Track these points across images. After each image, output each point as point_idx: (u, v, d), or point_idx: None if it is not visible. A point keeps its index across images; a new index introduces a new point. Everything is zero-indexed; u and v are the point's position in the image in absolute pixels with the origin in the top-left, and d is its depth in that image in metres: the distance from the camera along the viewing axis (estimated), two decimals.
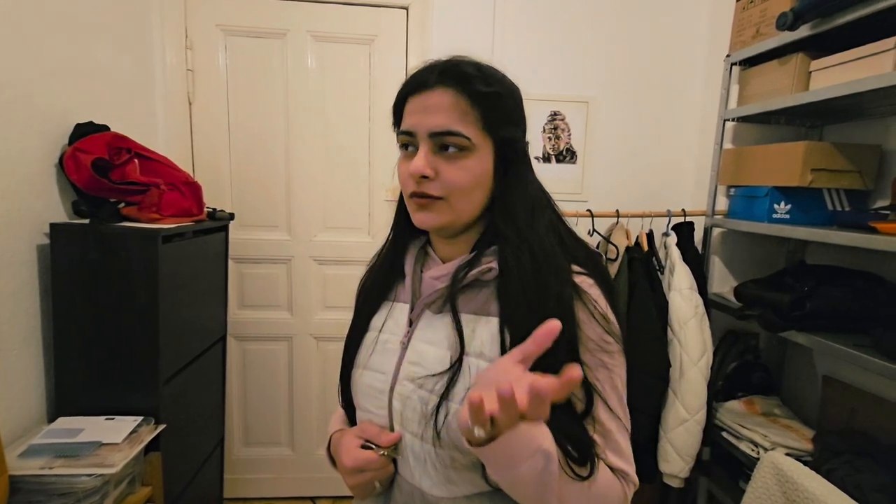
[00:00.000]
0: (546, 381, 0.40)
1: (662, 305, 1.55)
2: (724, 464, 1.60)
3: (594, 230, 1.70)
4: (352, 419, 0.73)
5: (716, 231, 1.77)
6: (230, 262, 1.80)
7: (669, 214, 1.69)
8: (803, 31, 1.29)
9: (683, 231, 1.66)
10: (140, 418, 1.17)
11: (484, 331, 0.59)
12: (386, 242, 0.73)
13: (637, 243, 1.66)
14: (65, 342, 1.19)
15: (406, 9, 1.85)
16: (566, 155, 1.92)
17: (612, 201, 1.80)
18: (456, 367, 0.58)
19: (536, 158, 1.89)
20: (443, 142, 0.59)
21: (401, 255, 0.70)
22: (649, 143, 1.94)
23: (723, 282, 1.81)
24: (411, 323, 0.66)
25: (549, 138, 1.90)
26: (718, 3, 1.79)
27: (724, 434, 1.52)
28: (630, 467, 0.60)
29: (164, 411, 1.23)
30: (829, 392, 1.49)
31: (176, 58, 1.77)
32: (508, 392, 0.40)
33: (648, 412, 1.53)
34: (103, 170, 1.22)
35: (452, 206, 0.60)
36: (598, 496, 0.55)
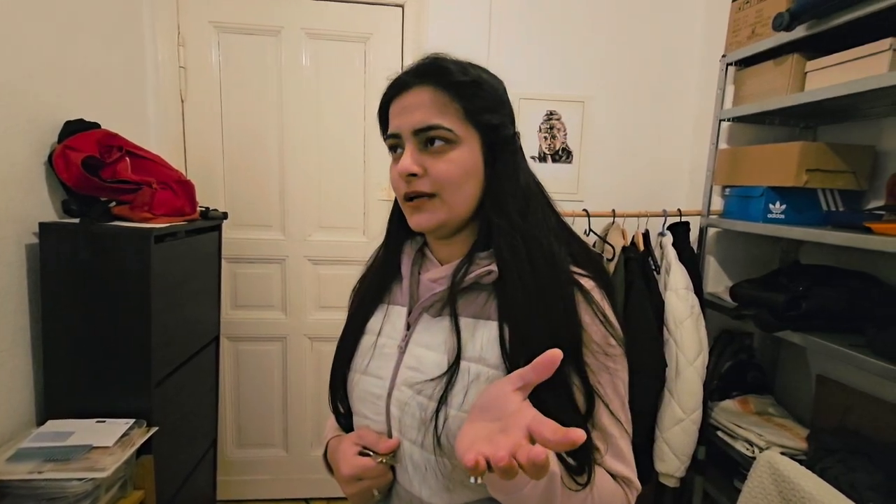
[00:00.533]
0: (542, 451, 0.38)
1: (658, 305, 1.55)
2: (719, 463, 1.61)
3: (590, 230, 1.70)
4: (342, 426, 0.71)
5: (711, 231, 1.77)
6: (223, 262, 1.78)
7: (665, 214, 1.69)
8: (799, 32, 1.29)
9: (679, 231, 1.66)
10: (132, 421, 1.15)
11: (483, 334, 0.58)
12: (381, 245, 0.73)
13: (633, 243, 1.66)
14: (54, 343, 1.17)
15: (402, 7, 1.84)
16: (562, 154, 1.92)
17: (608, 201, 1.80)
18: (453, 370, 0.57)
19: (532, 158, 1.89)
20: (427, 137, 0.59)
21: (395, 256, 0.69)
22: (645, 142, 1.94)
23: (717, 281, 1.81)
24: (409, 327, 0.64)
25: (545, 138, 1.90)
26: (714, 4, 1.79)
27: (720, 433, 1.53)
28: (632, 473, 0.59)
29: (157, 413, 1.21)
30: (823, 391, 1.50)
31: (168, 54, 1.75)
32: (504, 462, 0.38)
33: (644, 412, 1.53)
34: (94, 168, 1.20)
35: (446, 201, 0.60)
36: None
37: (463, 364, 0.58)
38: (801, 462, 1.05)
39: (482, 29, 1.82)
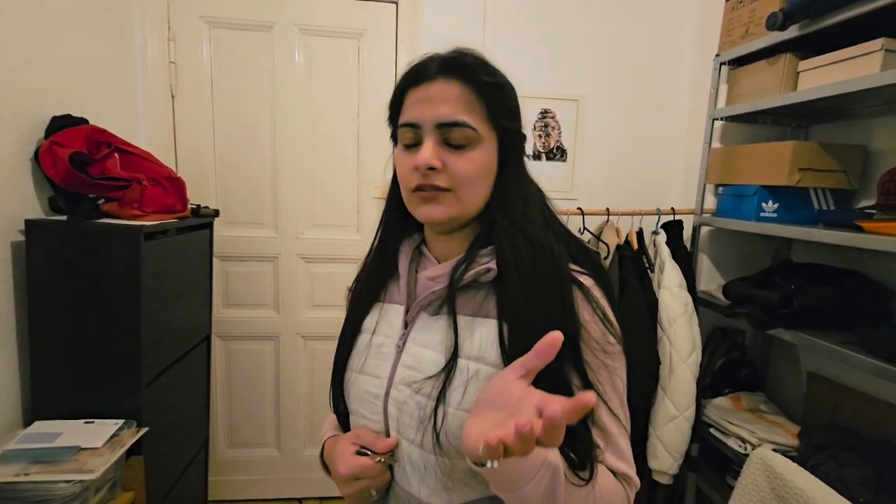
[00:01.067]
0: (560, 406, 0.37)
1: (652, 303, 1.56)
2: (711, 460, 1.62)
3: (584, 228, 1.70)
4: (344, 425, 0.71)
5: (704, 229, 1.78)
6: (215, 260, 1.76)
7: (659, 213, 1.69)
8: (792, 32, 1.30)
9: (673, 229, 1.67)
10: (121, 421, 1.13)
11: (482, 332, 0.58)
12: (375, 242, 0.71)
13: (627, 241, 1.67)
14: (41, 343, 1.15)
15: (396, 3, 1.82)
16: (556, 153, 1.92)
17: (602, 199, 1.80)
18: (451, 367, 0.57)
19: (527, 156, 1.88)
20: (450, 133, 0.58)
21: (392, 254, 0.68)
22: (639, 141, 1.94)
23: (710, 280, 1.83)
24: (406, 325, 0.64)
25: (540, 136, 1.90)
26: (708, 3, 1.80)
27: (712, 430, 1.54)
28: (631, 469, 0.59)
29: (147, 414, 1.20)
30: (814, 388, 1.52)
31: (158, 49, 1.72)
32: (527, 427, 0.37)
33: (638, 409, 1.53)
34: (82, 164, 1.18)
35: (460, 198, 0.59)
36: (602, 502, 0.54)
37: (461, 362, 0.57)
38: (792, 458, 1.06)
39: (477, 26, 1.81)
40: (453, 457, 0.56)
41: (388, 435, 0.62)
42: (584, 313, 0.56)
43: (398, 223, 0.68)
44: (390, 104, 0.64)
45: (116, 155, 1.26)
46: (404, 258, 0.67)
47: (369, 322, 0.68)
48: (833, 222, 1.30)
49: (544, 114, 1.89)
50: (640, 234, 1.69)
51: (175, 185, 1.35)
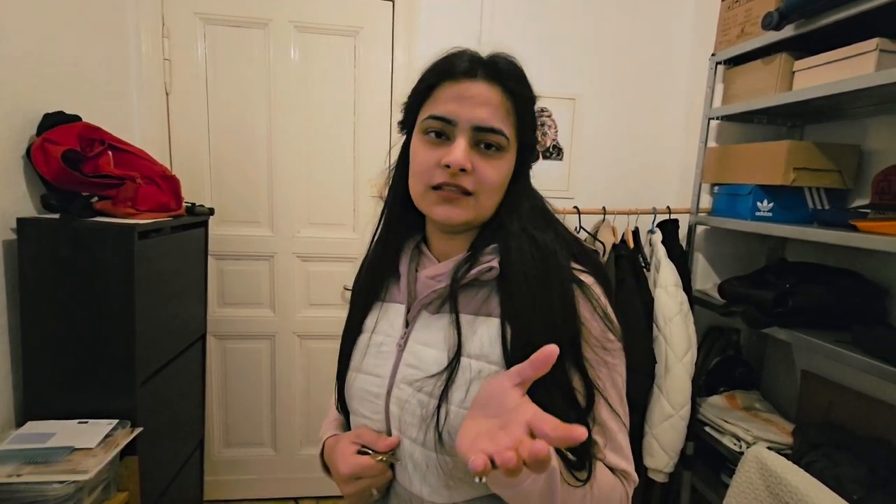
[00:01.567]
0: (545, 444, 0.37)
1: (648, 302, 1.56)
2: (706, 458, 1.63)
3: (581, 227, 1.71)
4: (349, 424, 0.70)
5: (700, 228, 1.79)
6: (210, 259, 1.75)
7: (655, 212, 1.70)
8: (787, 32, 1.30)
9: (668, 228, 1.67)
10: (115, 421, 1.12)
11: (484, 331, 0.58)
12: (375, 240, 0.70)
13: (623, 240, 1.67)
14: (34, 342, 1.14)
15: (392, 1, 1.81)
16: (553, 152, 1.92)
17: (598, 198, 1.80)
18: (454, 366, 0.57)
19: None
20: (484, 138, 0.57)
21: (393, 254, 0.68)
22: (635, 140, 1.95)
23: (706, 278, 1.83)
24: (407, 324, 0.63)
25: None
26: (704, 3, 1.80)
27: (707, 429, 1.55)
28: (630, 466, 0.59)
29: (142, 413, 1.19)
30: (808, 386, 1.53)
31: (152, 46, 1.70)
32: (512, 463, 0.37)
33: (633, 408, 1.53)
34: (74, 162, 1.17)
35: (480, 203, 0.59)
36: (600, 501, 0.54)
37: (464, 360, 0.57)
38: (786, 456, 1.07)
39: (473, 24, 1.81)
40: (455, 455, 0.56)
41: (389, 434, 0.62)
42: (585, 311, 0.57)
43: (402, 223, 0.67)
44: (415, 91, 0.62)
45: (110, 152, 1.25)
46: (405, 257, 0.67)
47: (369, 321, 0.68)
48: (828, 222, 1.30)
49: (541, 112, 1.88)
50: (636, 233, 1.69)
51: (169, 184, 1.34)
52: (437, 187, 0.58)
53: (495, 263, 0.59)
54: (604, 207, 1.71)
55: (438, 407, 0.56)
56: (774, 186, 1.42)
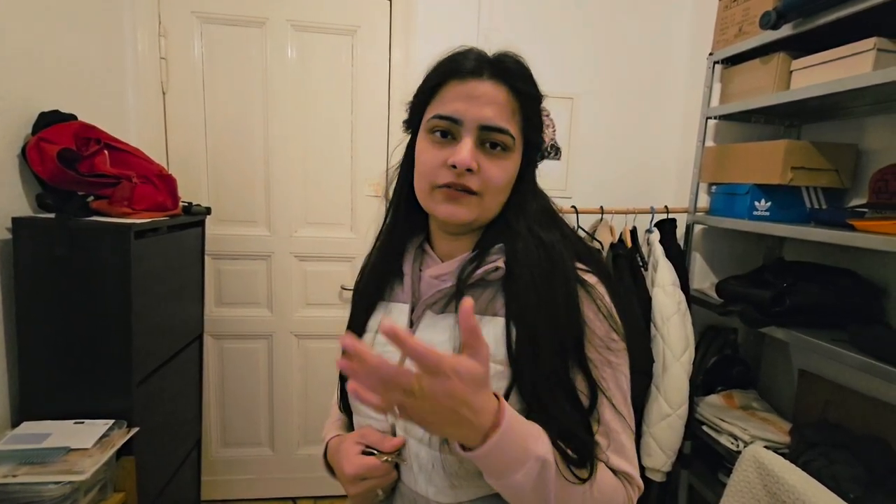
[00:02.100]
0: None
1: (646, 301, 1.56)
2: (704, 457, 1.63)
3: (579, 226, 1.70)
4: (352, 424, 0.70)
5: (697, 228, 1.79)
6: (207, 259, 1.75)
7: (653, 211, 1.70)
8: (785, 31, 1.30)
9: (666, 228, 1.67)
10: (111, 421, 1.12)
11: (490, 331, 0.58)
12: (379, 240, 0.70)
13: (621, 240, 1.67)
14: (30, 342, 1.13)
15: (390, 0, 1.81)
16: (551, 151, 1.92)
17: (596, 197, 1.80)
18: None
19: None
20: (490, 137, 0.57)
21: (398, 254, 0.67)
22: (633, 139, 1.95)
23: (703, 278, 1.83)
24: (412, 324, 0.63)
25: None
26: (702, 2, 1.80)
27: (705, 428, 1.55)
28: (634, 469, 0.59)
29: (138, 413, 1.19)
30: (805, 385, 1.53)
31: (148, 45, 1.70)
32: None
33: (632, 407, 1.54)
34: (70, 161, 1.16)
35: (485, 202, 0.59)
36: (600, 502, 0.54)
37: None
38: (783, 455, 1.07)
39: (471, 24, 1.80)
40: (461, 455, 0.56)
41: (394, 434, 0.61)
42: (588, 311, 0.57)
43: (406, 222, 0.67)
44: (421, 90, 0.61)
45: (106, 152, 1.24)
46: (408, 257, 0.67)
47: (374, 322, 0.67)
48: (825, 221, 1.30)
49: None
50: (633, 232, 1.69)
51: (166, 183, 1.34)
52: (444, 186, 0.58)
53: (501, 263, 0.59)
54: (601, 207, 1.71)
55: None
56: (772, 186, 1.42)
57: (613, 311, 0.59)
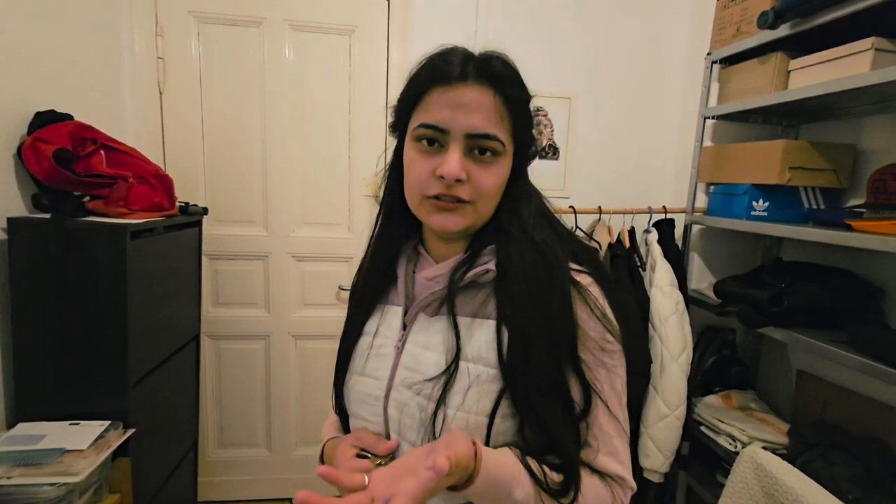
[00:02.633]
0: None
1: (644, 302, 1.56)
2: (702, 458, 1.63)
3: (577, 226, 1.70)
4: (346, 427, 0.70)
5: (695, 228, 1.78)
6: (204, 259, 1.74)
7: (651, 211, 1.70)
8: (783, 31, 1.30)
9: (664, 228, 1.67)
10: (107, 423, 1.11)
11: (481, 333, 0.58)
12: (372, 243, 0.69)
13: (619, 240, 1.67)
14: (25, 343, 1.12)
15: (388, 0, 1.81)
16: (549, 151, 1.91)
17: (594, 198, 1.80)
18: (452, 370, 0.56)
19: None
20: (479, 144, 0.56)
21: (391, 259, 0.67)
22: (631, 139, 1.94)
23: (701, 278, 1.83)
24: (405, 326, 0.63)
25: None
26: (700, 2, 1.80)
27: (703, 428, 1.54)
28: (626, 471, 0.59)
29: (134, 414, 1.18)
30: (803, 386, 1.53)
31: (145, 45, 1.69)
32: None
33: (629, 408, 1.53)
34: (66, 161, 1.16)
35: (478, 210, 0.58)
36: None
37: (462, 364, 0.57)
38: (781, 456, 1.07)
39: (469, 23, 1.80)
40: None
41: (387, 437, 0.61)
42: (581, 312, 0.56)
43: (398, 225, 0.65)
44: (407, 96, 0.59)
45: (102, 152, 1.24)
46: (402, 259, 0.66)
47: (371, 325, 0.67)
48: (823, 221, 1.30)
49: (536, 112, 1.88)
50: (631, 232, 1.69)
51: (163, 183, 1.33)
52: (435, 198, 0.57)
53: (492, 266, 0.58)
54: (600, 207, 1.71)
55: (436, 411, 0.56)
56: (770, 186, 1.42)
57: (608, 311, 0.58)
